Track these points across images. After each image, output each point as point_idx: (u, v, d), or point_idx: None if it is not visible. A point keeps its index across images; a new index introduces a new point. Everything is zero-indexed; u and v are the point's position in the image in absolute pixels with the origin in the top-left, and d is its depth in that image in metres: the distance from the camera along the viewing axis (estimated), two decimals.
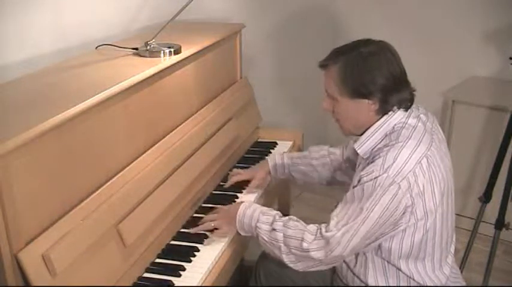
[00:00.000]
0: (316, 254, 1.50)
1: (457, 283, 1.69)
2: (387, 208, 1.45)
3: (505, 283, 2.59)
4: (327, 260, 1.51)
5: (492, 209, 2.40)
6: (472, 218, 2.68)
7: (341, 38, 2.94)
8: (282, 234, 1.55)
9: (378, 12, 3.27)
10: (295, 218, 1.60)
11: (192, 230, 1.72)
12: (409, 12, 3.16)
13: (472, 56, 3.02)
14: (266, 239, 1.59)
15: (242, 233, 1.67)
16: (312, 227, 1.54)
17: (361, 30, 3.19)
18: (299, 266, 1.56)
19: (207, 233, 1.71)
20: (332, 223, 1.50)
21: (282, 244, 1.55)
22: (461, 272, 1.83)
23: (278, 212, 1.64)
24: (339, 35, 3.33)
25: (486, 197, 2.40)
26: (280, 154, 2.05)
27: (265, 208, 1.66)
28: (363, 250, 1.57)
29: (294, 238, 1.53)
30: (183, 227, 1.76)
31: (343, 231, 1.47)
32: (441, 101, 3.01)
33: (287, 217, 1.61)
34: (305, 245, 1.51)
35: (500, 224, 2.32)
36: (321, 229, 1.52)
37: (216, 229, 1.69)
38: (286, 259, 1.56)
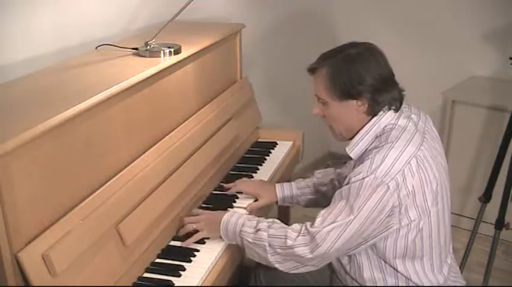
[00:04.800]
0: (301, 250, 1.50)
1: (457, 283, 1.68)
2: (375, 208, 1.45)
3: (505, 283, 2.59)
4: (313, 258, 1.50)
5: (492, 209, 2.40)
6: (472, 218, 2.68)
7: (340, 38, 2.94)
8: (266, 233, 1.56)
9: (377, 13, 3.27)
10: (278, 221, 1.61)
11: (180, 232, 1.72)
12: (409, 12, 3.17)
13: (472, 56, 3.02)
14: (250, 240, 1.59)
15: (226, 241, 1.66)
16: (296, 225, 1.55)
17: (361, 30, 3.20)
18: (285, 267, 1.56)
19: None
20: (318, 220, 1.51)
21: (266, 243, 1.55)
22: (461, 272, 1.83)
23: (262, 217, 1.65)
24: (338, 35, 3.34)
25: (486, 197, 2.40)
26: (288, 184, 1.98)
27: (250, 215, 1.67)
28: (354, 252, 1.56)
29: (277, 237, 1.54)
30: (183, 227, 1.76)
31: (330, 228, 1.47)
32: (441, 101, 3.01)
33: (271, 219, 1.62)
34: (289, 242, 1.51)
35: (500, 224, 2.32)
36: (306, 225, 1.52)
37: (197, 231, 1.68)
38: (272, 259, 1.56)
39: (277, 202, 1.98)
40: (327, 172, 1.99)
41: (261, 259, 1.61)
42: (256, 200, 1.92)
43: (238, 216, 1.65)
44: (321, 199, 1.96)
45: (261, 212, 1.94)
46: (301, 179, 2.01)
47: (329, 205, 1.83)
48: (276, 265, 1.57)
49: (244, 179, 2.01)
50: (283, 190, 1.97)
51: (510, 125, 2.29)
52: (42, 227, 1.30)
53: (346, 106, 1.56)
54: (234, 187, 1.96)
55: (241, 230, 1.61)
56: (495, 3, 2.86)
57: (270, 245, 1.55)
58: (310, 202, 1.98)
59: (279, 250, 1.54)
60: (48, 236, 1.29)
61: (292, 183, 1.99)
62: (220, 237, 1.67)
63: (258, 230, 1.58)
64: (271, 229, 1.57)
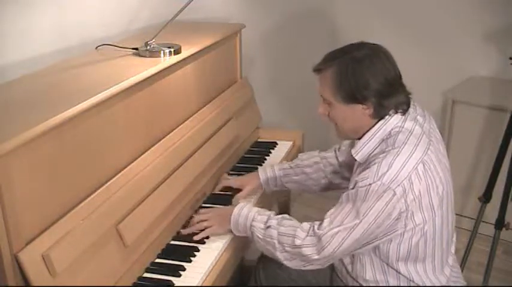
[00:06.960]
0: (308, 251, 1.51)
1: (458, 283, 1.68)
2: (381, 214, 1.45)
3: (505, 283, 2.59)
4: (319, 258, 1.51)
5: (492, 209, 2.40)
6: (472, 218, 2.68)
7: (341, 38, 2.94)
8: (276, 231, 1.57)
9: (377, 12, 3.27)
10: (288, 216, 1.62)
11: (185, 231, 1.72)
12: (409, 12, 3.16)
13: (472, 56, 3.02)
14: (261, 236, 1.60)
15: (236, 233, 1.67)
16: (305, 224, 1.55)
17: (361, 30, 3.20)
18: (293, 264, 1.57)
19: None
20: (326, 222, 1.51)
21: (276, 241, 1.56)
22: (461, 272, 1.83)
23: (273, 211, 1.65)
24: (339, 35, 3.33)
25: (486, 197, 2.40)
26: (271, 166, 1.99)
27: (260, 209, 1.67)
28: (359, 251, 1.57)
29: (286, 235, 1.55)
30: (183, 227, 1.76)
31: (335, 231, 1.48)
32: (441, 101, 3.02)
33: (281, 215, 1.62)
34: (297, 241, 1.52)
35: (500, 224, 2.32)
36: (314, 226, 1.53)
37: (207, 227, 1.69)
38: (281, 256, 1.57)
39: (261, 187, 1.97)
40: (311, 154, 1.99)
41: (270, 254, 1.61)
42: (240, 191, 1.93)
43: (248, 209, 1.66)
44: (307, 182, 1.95)
45: (264, 205, 1.93)
46: (285, 162, 2.03)
47: (316, 188, 1.93)
48: (285, 262, 1.58)
49: (225, 175, 2.02)
50: (266, 173, 1.97)
51: (510, 125, 2.29)
52: (42, 227, 1.30)
53: (351, 109, 1.55)
54: (218, 185, 1.98)
55: (251, 225, 1.62)
56: (495, 3, 2.85)
57: (279, 242, 1.56)
58: (296, 185, 1.97)
59: (287, 248, 1.55)
60: (48, 236, 1.29)
61: (275, 165, 2.00)
62: (230, 231, 1.68)
63: (268, 227, 1.59)
64: (281, 226, 1.57)
